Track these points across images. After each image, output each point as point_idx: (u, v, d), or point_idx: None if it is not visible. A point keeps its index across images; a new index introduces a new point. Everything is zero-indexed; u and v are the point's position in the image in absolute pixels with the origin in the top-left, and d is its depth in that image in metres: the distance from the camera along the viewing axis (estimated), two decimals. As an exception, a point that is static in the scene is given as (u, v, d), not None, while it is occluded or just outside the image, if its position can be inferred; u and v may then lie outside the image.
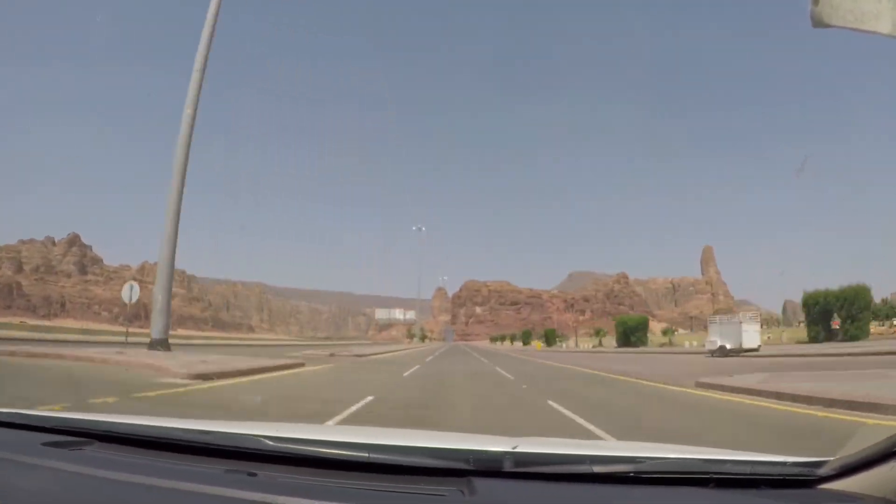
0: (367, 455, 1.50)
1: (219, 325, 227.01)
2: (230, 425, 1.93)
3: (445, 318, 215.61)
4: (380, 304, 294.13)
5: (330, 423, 6.05)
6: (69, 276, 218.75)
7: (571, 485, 1.42)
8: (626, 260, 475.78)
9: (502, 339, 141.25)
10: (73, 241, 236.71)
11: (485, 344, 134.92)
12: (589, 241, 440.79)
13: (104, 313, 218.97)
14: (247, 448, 1.61)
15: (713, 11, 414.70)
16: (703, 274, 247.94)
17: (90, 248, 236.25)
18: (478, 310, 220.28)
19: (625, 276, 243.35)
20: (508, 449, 1.51)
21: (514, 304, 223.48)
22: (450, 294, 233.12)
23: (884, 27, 1.26)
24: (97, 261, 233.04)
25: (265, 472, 1.45)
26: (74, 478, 1.44)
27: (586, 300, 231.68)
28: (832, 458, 1.39)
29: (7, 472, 1.49)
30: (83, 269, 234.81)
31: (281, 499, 1.24)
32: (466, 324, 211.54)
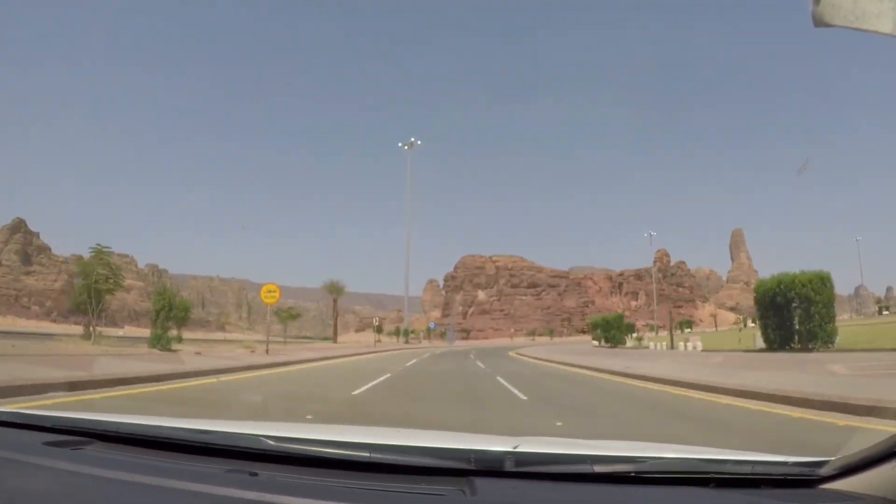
0: (368, 455, 1.56)
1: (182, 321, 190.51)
2: (231, 425, 2.00)
3: (438, 313, 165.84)
4: (369, 303, 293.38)
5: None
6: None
7: (573, 484, 1.47)
8: (627, 254, 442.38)
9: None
10: (17, 227, 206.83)
11: (519, 345, 78.24)
12: (586, 236, 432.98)
13: (34, 307, 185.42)
14: (248, 448, 1.67)
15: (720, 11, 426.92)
16: (732, 260, 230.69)
17: (37, 235, 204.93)
18: (481, 295, 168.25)
19: (665, 254, 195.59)
20: (509, 448, 1.56)
21: (532, 286, 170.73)
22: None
23: (885, 27, 1.31)
24: (44, 249, 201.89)
25: (266, 471, 1.50)
26: (75, 477, 1.48)
27: (639, 278, 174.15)
28: (833, 458, 1.44)
29: (8, 472, 1.54)
30: (27, 259, 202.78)
31: (282, 498, 1.28)
32: (465, 315, 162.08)
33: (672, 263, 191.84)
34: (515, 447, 1.58)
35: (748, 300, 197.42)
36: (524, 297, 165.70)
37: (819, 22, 1.33)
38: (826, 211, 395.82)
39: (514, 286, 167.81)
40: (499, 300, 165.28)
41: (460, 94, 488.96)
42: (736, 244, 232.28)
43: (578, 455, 1.62)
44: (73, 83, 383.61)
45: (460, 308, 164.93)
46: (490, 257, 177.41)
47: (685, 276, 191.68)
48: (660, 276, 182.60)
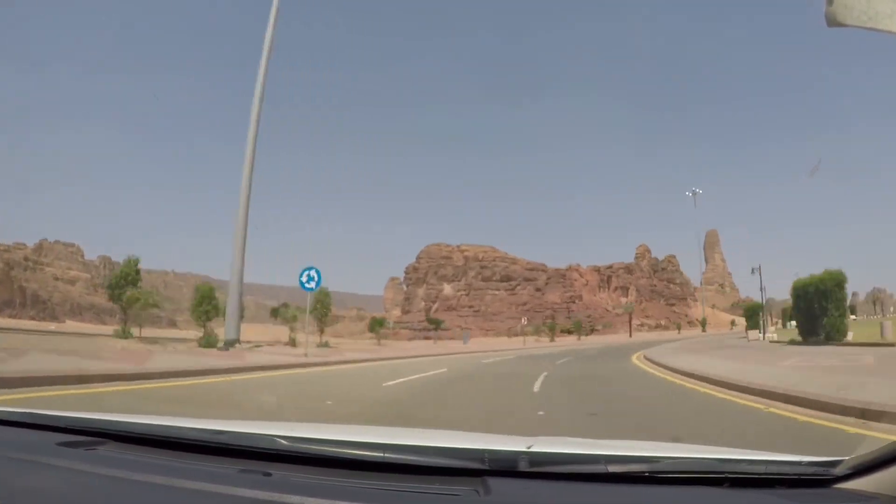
0: (381, 455, 1.59)
1: (128, 316, 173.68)
2: (244, 425, 2.06)
3: (399, 312, 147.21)
4: (333, 300, 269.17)
5: None
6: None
7: (587, 484, 1.49)
8: (604, 253, 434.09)
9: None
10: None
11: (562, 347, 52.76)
12: (562, 234, 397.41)
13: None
14: (261, 448, 1.71)
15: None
16: (707, 262, 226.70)
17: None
18: (447, 288, 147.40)
19: (647, 249, 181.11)
20: (523, 448, 1.59)
21: (506, 279, 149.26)
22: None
23: None
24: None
25: (280, 471, 1.53)
26: (89, 478, 1.51)
27: (629, 272, 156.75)
28: (847, 458, 1.46)
29: (22, 473, 1.57)
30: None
31: (296, 498, 1.31)
32: (428, 312, 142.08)
33: (662, 258, 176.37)
34: (529, 447, 1.59)
35: (724, 302, 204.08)
36: (496, 292, 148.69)
37: (832, 22, 1.34)
38: (801, 212, 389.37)
39: (485, 279, 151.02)
40: (467, 295, 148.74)
41: (433, 89, 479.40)
42: (710, 245, 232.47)
43: (593, 455, 1.64)
44: (24, 66, 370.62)
45: (423, 304, 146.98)
46: (458, 246, 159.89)
47: (676, 273, 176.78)
48: (649, 271, 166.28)
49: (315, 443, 1.72)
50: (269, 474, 1.49)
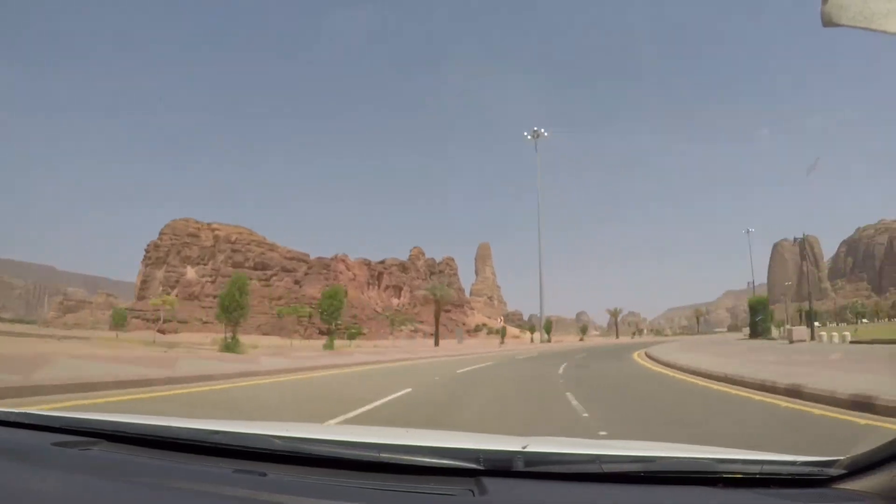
0: (377, 455, 1.62)
1: None
2: (239, 425, 2.08)
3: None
4: (84, 285, 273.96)
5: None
6: None
7: (582, 484, 1.52)
8: (349, 248, 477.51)
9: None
10: None
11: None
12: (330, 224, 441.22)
13: None
14: (256, 448, 1.73)
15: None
16: (477, 273, 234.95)
17: None
18: (190, 272, 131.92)
19: (421, 252, 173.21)
20: (519, 448, 1.62)
21: (261, 267, 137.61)
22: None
23: (893, 26, 1.35)
24: None
25: (276, 472, 1.56)
26: (84, 478, 1.54)
27: (404, 270, 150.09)
28: (842, 458, 1.50)
29: (17, 473, 1.59)
30: None
31: (291, 498, 1.33)
32: (165, 297, 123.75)
33: (440, 260, 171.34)
34: (525, 447, 1.63)
35: (494, 313, 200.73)
36: (249, 282, 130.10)
37: (827, 21, 1.36)
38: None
39: (236, 265, 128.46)
40: (213, 282, 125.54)
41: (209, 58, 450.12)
42: (482, 258, 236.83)
43: (588, 455, 1.67)
44: None
45: (161, 289, 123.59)
46: (209, 224, 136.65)
47: (454, 277, 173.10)
48: (426, 272, 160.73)
49: (310, 443, 1.73)
50: (264, 474, 1.50)
